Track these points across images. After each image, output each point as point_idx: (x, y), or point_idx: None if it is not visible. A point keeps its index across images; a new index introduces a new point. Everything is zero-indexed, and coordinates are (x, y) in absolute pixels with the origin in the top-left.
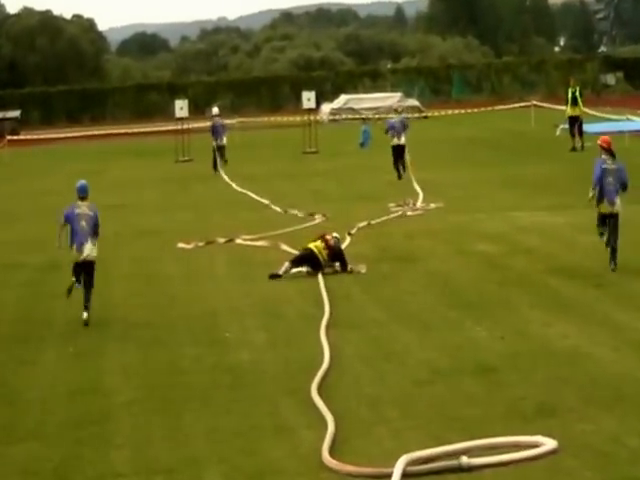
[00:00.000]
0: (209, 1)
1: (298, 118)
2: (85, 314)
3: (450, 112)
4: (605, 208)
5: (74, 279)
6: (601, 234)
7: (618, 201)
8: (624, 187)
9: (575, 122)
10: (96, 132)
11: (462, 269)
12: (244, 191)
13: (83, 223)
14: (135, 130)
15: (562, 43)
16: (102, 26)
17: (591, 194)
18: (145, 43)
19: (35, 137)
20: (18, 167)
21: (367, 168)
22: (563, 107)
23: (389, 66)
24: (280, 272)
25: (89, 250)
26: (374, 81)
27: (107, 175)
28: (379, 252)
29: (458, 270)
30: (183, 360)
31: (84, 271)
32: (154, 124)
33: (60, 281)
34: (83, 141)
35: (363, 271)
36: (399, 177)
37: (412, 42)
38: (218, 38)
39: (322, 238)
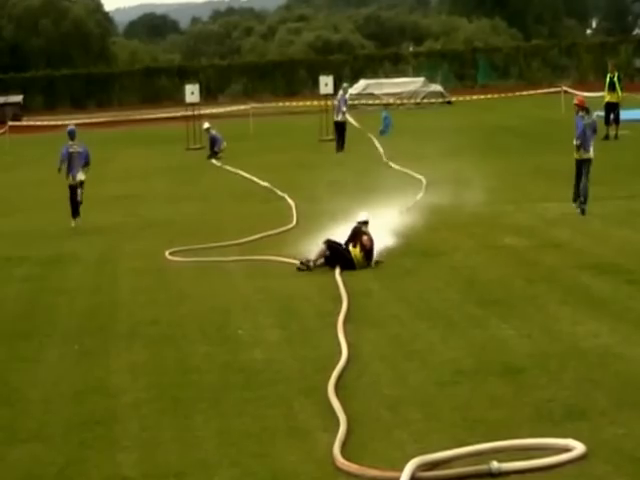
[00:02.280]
0: None
1: (315, 104)
2: (73, 222)
3: (476, 98)
4: (585, 154)
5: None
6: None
7: (591, 149)
8: (595, 132)
9: (612, 109)
10: (102, 118)
11: (488, 264)
12: (257, 180)
13: (76, 159)
14: (143, 116)
15: (594, 25)
16: (109, 7)
17: (577, 143)
18: (154, 25)
19: (38, 123)
20: (20, 154)
21: (387, 157)
22: (592, 94)
23: (411, 49)
24: (312, 261)
25: (80, 176)
26: (395, 65)
27: (113, 164)
28: (401, 246)
29: (484, 265)
30: (193, 358)
31: (76, 190)
32: (163, 110)
33: (63, 276)
34: (88, 128)
35: (380, 260)
36: (337, 150)
37: (436, 24)
38: (231, 19)
39: (360, 244)
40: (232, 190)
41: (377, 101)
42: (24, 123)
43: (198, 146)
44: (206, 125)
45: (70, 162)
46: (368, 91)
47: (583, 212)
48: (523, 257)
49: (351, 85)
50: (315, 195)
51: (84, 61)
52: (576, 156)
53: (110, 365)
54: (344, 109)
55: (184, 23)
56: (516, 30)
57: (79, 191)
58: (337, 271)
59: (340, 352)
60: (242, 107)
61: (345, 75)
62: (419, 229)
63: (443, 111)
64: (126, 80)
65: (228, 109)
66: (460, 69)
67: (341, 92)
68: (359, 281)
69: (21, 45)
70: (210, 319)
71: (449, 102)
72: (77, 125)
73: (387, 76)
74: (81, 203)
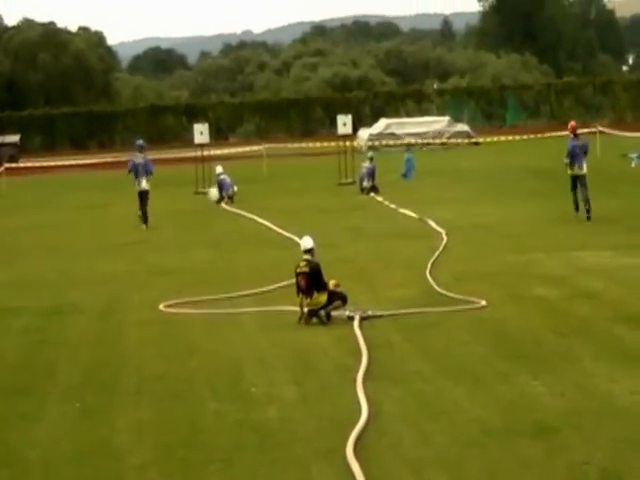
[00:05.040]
0: (233, 13)
1: (333, 145)
2: (144, 225)
3: (504, 139)
4: (576, 171)
5: (139, 210)
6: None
7: (584, 166)
8: (586, 153)
9: None
10: (104, 159)
11: (517, 316)
12: (271, 225)
13: (140, 169)
14: (149, 157)
15: (631, 61)
16: (112, 40)
17: (566, 161)
18: (160, 59)
19: (36, 165)
20: (17, 198)
21: (410, 201)
22: (630, 134)
23: (435, 86)
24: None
25: (144, 184)
26: (418, 103)
27: (116, 208)
28: (425, 296)
29: (513, 317)
30: (204, 417)
31: (143, 197)
32: (170, 151)
33: (65, 327)
34: (89, 170)
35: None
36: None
37: (461, 59)
38: (243, 54)
39: (298, 287)
40: (245, 236)
41: (399, 142)
42: (21, 165)
43: (207, 190)
44: (219, 170)
45: (136, 172)
46: (389, 131)
47: (589, 218)
48: (554, 308)
49: (371, 125)
50: (333, 241)
51: (85, 98)
52: (570, 172)
53: (115, 424)
54: (368, 184)
55: (192, 58)
56: (547, 66)
57: (145, 198)
58: (356, 322)
59: (360, 410)
60: (255, 148)
61: (364, 114)
62: (444, 278)
63: (469, 152)
64: (130, 119)
65: (240, 150)
66: (488, 108)
67: (367, 164)
68: (379, 333)
69: (18, 81)
70: (221, 374)
71: (476, 143)
72: (78, 166)
73: (409, 115)
74: (147, 207)
